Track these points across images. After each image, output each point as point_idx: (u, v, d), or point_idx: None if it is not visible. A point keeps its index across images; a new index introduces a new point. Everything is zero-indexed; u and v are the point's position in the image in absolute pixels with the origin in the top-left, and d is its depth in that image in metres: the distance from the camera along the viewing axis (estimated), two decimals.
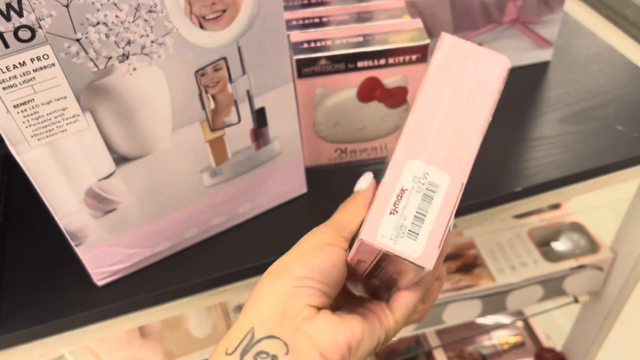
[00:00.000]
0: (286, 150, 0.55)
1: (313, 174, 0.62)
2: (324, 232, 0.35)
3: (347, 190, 0.38)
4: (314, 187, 0.61)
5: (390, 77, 0.54)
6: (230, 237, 0.58)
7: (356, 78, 0.54)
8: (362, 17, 0.59)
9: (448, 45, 0.34)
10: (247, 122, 0.51)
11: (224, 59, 0.46)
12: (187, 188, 0.52)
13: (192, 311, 0.80)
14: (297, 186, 0.59)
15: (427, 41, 0.53)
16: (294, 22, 0.57)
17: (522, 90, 0.72)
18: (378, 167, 0.60)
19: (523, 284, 0.83)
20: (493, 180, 0.61)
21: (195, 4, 0.41)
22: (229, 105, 0.49)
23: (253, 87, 0.49)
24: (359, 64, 0.53)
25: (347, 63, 0.53)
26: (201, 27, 0.43)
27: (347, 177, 0.59)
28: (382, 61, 0.53)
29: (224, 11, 0.43)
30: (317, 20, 0.58)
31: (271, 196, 0.58)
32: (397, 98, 0.55)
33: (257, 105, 0.50)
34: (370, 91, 0.54)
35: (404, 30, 0.56)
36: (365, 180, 0.38)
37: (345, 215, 0.36)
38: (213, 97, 0.47)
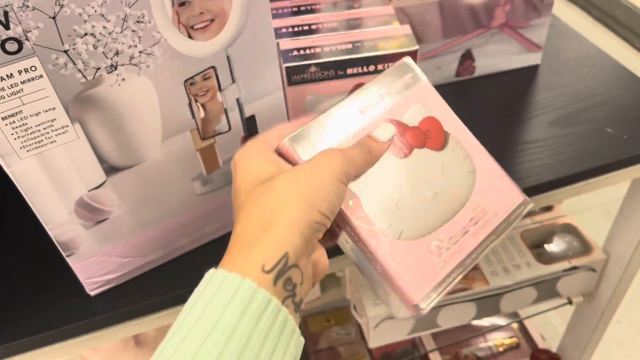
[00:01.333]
0: None
1: None
2: (341, 170, 0.37)
3: None
4: None
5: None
6: (223, 245, 0.57)
7: (346, 85, 0.54)
8: (352, 24, 0.59)
9: None
10: (238, 129, 0.51)
11: (213, 68, 0.46)
12: (179, 197, 0.52)
13: None
14: None
15: (416, 47, 0.53)
16: (284, 30, 0.58)
17: (512, 94, 0.73)
18: None
19: (516, 287, 0.84)
20: None
21: (183, 14, 0.42)
22: (219, 114, 0.49)
23: (243, 96, 0.49)
24: (349, 71, 0.53)
25: (336, 70, 0.53)
26: (189, 36, 0.43)
27: None
28: (372, 67, 0.53)
29: (212, 21, 0.43)
30: (306, 27, 0.58)
31: None
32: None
33: (248, 113, 0.50)
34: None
35: (392, 37, 0.56)
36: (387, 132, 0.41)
37: (358, 159, 0.39)
38: (203, 105, 0.47)
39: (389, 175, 0.41)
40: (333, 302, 1.10)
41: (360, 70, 0.54)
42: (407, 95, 0.44)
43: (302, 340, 0.33)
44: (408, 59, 0.45)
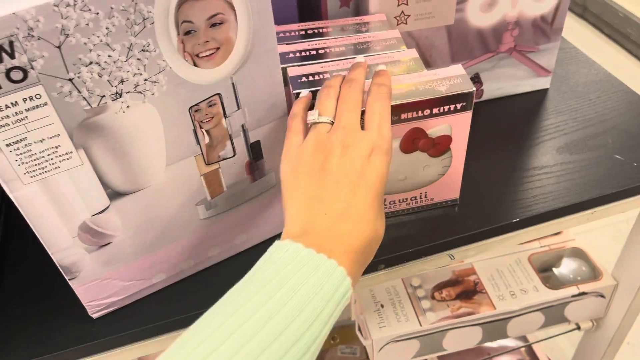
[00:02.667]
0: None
1: None
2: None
3: None
4: None
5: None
6: (226, 268, 0.57)
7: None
8: (359, 49, 0.59)
9: None
10: (243, 155, 0.51)
11: (218, 95, 0.46)
12: (182, 221, 0.52)
13: None
14: None
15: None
16: (291, 55, 0.58)
17: (520, 118, 0.72)
18: (420, 216, 0.60)
19: (524, 311, 0.82)
20: (491, 211, 0.60)
21: (189, 42, 0.42)
22: (223, 140, 0.49)
23: (248, 122, 0.49)
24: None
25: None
26: (195, 64, 0.43)
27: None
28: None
29: (218, 49, 0.43)
30: (313, 52, 0.58)
31: (266, 228, 0.58)
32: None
33: (253, 138, 0.50)
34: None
35: (400, 61, 0.56)
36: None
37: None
38: (207, 132, 0.47)
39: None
40: (339, 321, 1.09)
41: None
42: (449, 116, 0.52)
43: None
44: (472, 91, 0.51)
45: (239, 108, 0.48)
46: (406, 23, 0.65)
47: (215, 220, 0.54)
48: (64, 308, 0.54)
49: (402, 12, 0.65)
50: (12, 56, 0.36)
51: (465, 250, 0.60)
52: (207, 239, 0.55)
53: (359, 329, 0.88)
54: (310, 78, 0.54)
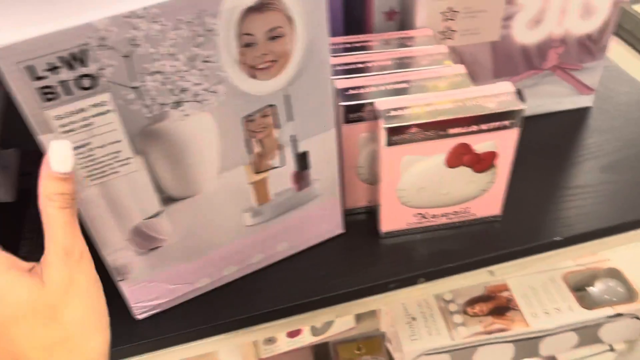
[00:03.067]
0: (325, 192, 0.56)
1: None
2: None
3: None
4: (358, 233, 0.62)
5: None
6: (267, 275, 0.58)
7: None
8: (404, 63, 0.60)
9: None
10: (290, 165, 0.52)
11: (272, 106, 0.47)
12: (229, 227, 0.53)
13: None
14: (334, 227, 0.60)
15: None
16: (337, 67, 0.59)
17: (562, 136, 0.72)
18: (460, 231, 0.60)
19: (557, 331, 0.82)
20: (532, 228, 0.60)
21: (248, 54, 0.43)
22: (273, 149, 0.50)
23: (298, 133, 0.50)
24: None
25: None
26: (252, 76, 0.44)
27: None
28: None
29: (275, 61, 0.44)
30: (360, 65, 0.59)
31: (308, 235, 0.59)
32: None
33: (301, 149, 0.51)
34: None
35: (446, 76, 0.57)
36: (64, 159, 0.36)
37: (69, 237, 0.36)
38: (259, 141, 0.48)
39: (431, 169, 0.55)
40: (366, 332, 1.10)
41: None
42: (496, 133, 0.53)
43: None
44: (522, 108, 0.52)
45: (290, 119, 0.49)
46: (451, 38, 0.66)
47: (260, 227, 0.55)
48: (109, 309, 0.55)
49: (448, 27, 0.65)
50: (84, 64, 0.38)
51: (506, 267, 0.60)
52: (251, 245, 0.56)
53: (389, 341, 0.88)
54: (357, 91, 0.55)
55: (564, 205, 0.63)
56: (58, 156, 0.36)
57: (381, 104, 0.53)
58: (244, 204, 0.52)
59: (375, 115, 0.53)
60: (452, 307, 0.84)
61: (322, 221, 0.59)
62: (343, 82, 0.56)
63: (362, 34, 0.66)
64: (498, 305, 0.84)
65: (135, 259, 0.50)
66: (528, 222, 0.61)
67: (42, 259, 0.35)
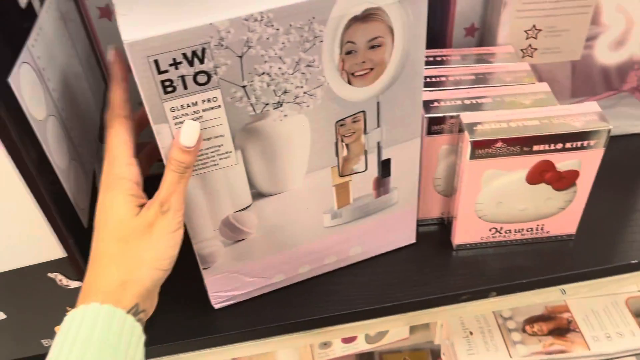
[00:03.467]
0: (402, 201, 0.57)
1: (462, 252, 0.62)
2: (174, 222, 0.44)
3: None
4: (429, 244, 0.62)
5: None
6: (339, 278, 0.60)
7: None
8: (488, 78, 0.61)
9: None
10: (373, 171, 0.53)
11: (363, 112, 0.48)
12: (309, 226, 0.55)
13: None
14: (407, 236, 0.61)
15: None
16: None
17: (638, 158, 0.71)
18: (533, 248, 0.61)
19: (619, 355, 0.80)
20: (607, 249, 0.60)
21: (348, 61, 0.45)
22: (359, 154, 0.51)
23: (384, 140, 0.51)
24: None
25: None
26: (349, 82, 0.46)
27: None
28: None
29: (372, 69, 0.46)
30: (443, 78, 0.60)
31: (381, 242, 0.60)
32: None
33: (385, 156, 0.53)
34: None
35: (530, 94, 0.57)
36: (193, 135, 0.43)
37: (179, 194, 0.44)
38: (347, 145, 0.50)
39: (511, 184, 0.55)
40: (417, 344, 1.09)
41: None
42: (580, 152, 0.53)
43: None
44: (608, 128, 0.52)
45: (378, 126, 0.50)
46: (532, 56, 0.66)
47: (337, 230, 0.56)
48: (189, 296, 0.58)
49: (530, 45, 0.66)
50: (202, 61, 0.40)
51: (578, 287, 0.60)
52: (327, 247, 0.57)
53: (444, 354, 0.88)
54: (440, 104, 0.56)
55: (636, 229, 0.62)
56: (187, 132, 0.42)
57: (467, 117, 0.54)
58: (325, 206, 0.54)
59: (459, 129, 0.54)
60: (511, 324, 0.83)
61: (396, 229, 0.60)
62: (426, 95, 0.57)
63: (440, 48, 0.67)
64: (558, 326, 0.83)
65: (221, 249, 0.52)
66: (602, 243, 0.61)
67: (150, 201, 0.43)
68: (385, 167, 0.54)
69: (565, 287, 0.60)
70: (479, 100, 0.57)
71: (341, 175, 0.52)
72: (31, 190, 0.42)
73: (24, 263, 0.46)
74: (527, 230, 0.60)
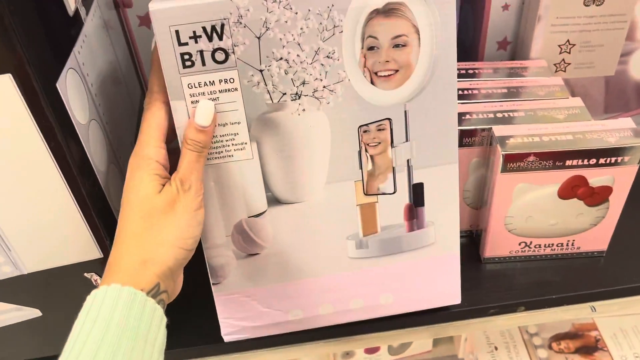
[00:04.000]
0: (441, 242, 0.51)
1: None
2: (195, 202, 0.44)
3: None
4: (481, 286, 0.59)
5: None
6: (364, 329, 0.55)
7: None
8: (521, 92, 0.60)
9: None
10: (403, 195, 0.49)
11: (389, 120, 0.46)
12: (329, 252, 0.50)
13: None
14: (449, 293, 0.54)
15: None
16: None
17: None
18: (563, 264, 0.60)
19: None
20: (638, 268, 0.58)
21: (370, 58, 0.44)
22: (386, 171, 0.48)
23: (414, 158, 0.48)
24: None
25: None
26: (372, 82, 0.45)
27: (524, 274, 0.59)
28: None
29: (397, 71, 0.45)
30: (475, 91, 0.60)
31: (417, 295, 0.53)
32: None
33: (416, 179, 0.49)
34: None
35: (563, 108, 0.57)
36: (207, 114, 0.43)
37: (197, 170, 0.44)
38: (372, 157, 0.48)
39: (542, 198, 0.54)
40: (442, 357, 1.09)
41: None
42: (614, 168, 0.52)
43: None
44: None
45: (407, 140, 0.47)
46: (565, 71, 0.66)
47: (364, 264, 0.51)
48: (199, 322, 0.56)
49: (563, 59, 0.65)
50: (220, 38, 0.41)
51: (608, 305, 0.59)
52: (351, 285, 0.52)
53: None
54: (471, 116, 0.55)
55: None
56: (202, 112, 0.43)
57: (499, 130, 0.53)
58: (349, 229, 0.50)
59: (491, 141, 0.54)
60: (537, 340, 0.82)
61: (433, 279, 0.53)
62: (460, 107, 0.56)
63: (472, 60, 0.67)
64: (585, 344, 0.81)
65: (233, 262, 0.49)
66: (634, 261, 0.59)
67: (169, 180, 0.44)
68: (417, 192, 0.49)
69: (595, 304, 0.59)
70: (511, 114, 0.56)
71: (366, 194, 0.49)
72: (72, 192, 0.43)
73: (62, 262, 0.47)
74: (557, 246, 0.59)
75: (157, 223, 0.42)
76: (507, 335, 0.84)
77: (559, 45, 0.65)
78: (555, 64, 0.66)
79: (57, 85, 0.41)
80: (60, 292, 0.49)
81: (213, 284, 0.50)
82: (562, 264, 0.60)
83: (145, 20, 0.60)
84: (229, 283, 0.50)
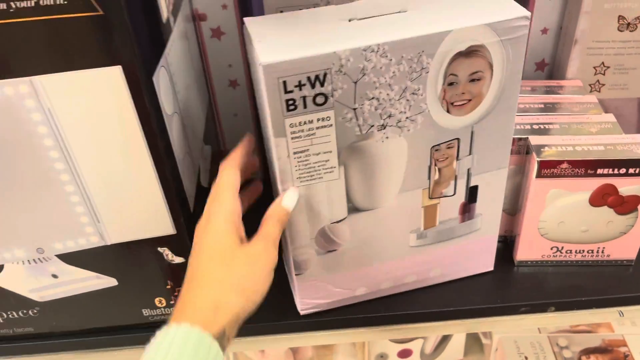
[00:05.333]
0: (485, 228, 0.60)
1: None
2: (274, 261, 0.49)
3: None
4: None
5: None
6: (419, 296, 0.63)
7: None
8: (557, 107, 0.65)
9: None
10: (460, 196, 0.57)
11: (457, 139, 0.52)
12: (395, 244, 0.58)
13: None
14: (486, 263, 0.64)
15: None
16: None
17: None
18: (592, 270, 0.64)
19: None
20: None
21: (449, 91, 0.49)
22: (449, 179, 0.55)
23: (474, 167, 0.55)
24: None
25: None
26: (447, 111, 0.50)
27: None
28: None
29: (469, 100, 0.50)
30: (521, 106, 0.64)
31: (461, 267, 0.63)
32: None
33: (473, 182, 0.56)
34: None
35: (597, 123, 0.61)
36: (293, 200, 0.51)
37: (278, 238, 0.50)
38: (439, 170, 0.54)
39: (574, 205, 0.59)
40: None
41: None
42: None
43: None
44: None
45: (470, 153, 0.54)
46: (599, 91, 0.70)
47: (421, 250, 0.60)
48: (277, 300, 0.61)
49: (598, 80, 0.70)
50: (322, 85, 0.45)
51: (637, 310, 0.63)
52: (409, 266, 0.61)
53: None
54: (520, 127, 0.60)
55: None
56: (289, 198, 0.51)
57: (535, 139, 0.58)
58: (413, 225, 0.58)
59: (527, 150, 0.58)
60: (567, 353, 0.84)
61: (476, 256, 0.63)
62: None
63: None
64: (614, 359, 0.84)
65: (314, 257, 0.56)
66: None
67: (254, 237, 0.49)
68: (472, 193, 0.57)
69: (624, 309, 0.62)
70: (547, 126, 0.61)
71: (431, 198, 0.56)
72: (158, 173, 0.48)
73: (140, 236, 0.53)
74: (588, 252, 0.63)
75: (236, 272, 0.45)
76: (538, 347, 0.86)
77: (594, 67, 0.69)
78: (590, 85, 0.70)
79: (154, 78, 0.46)
80: (135, 264, 0.55)
81: (296, 274, 0.58)
82: (591, 270, 0.64)
83: (217, 33, 0.65)
84: (309, 273, 0.58)
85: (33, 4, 0.38)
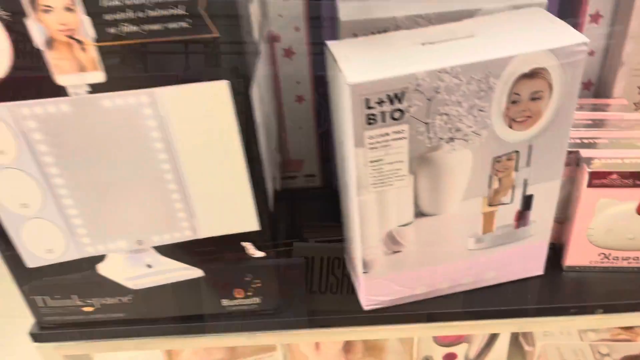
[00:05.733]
0: (537, 234, 0.65)
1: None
2: None
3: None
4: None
5: None
6: (474, 296, 0.68)
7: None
8: (604, 123, 0.69)
9: None
10: (517, 204, 0.62)
11: (517, 152, 0.57)
12: (454, 247, 0.63)
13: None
14: (537, 267, 0.69)
15: None
16: None
17: None
18: (636, 276, 0.67)
19: None
20: None
21: (512, 109, 0.54)
22: (507, 188, 0.60)
23: (530, 177, 0.60)
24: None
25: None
26: (509, 126, 0.55)
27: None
28: None
29: (529, 117, 0.55)
30: None
31: (513, 270, 0.68)
32: None
33: (528, 192, 0.61)
34: None
35: (637, 138, 0.66)
36: None
37: None
38: (499, 179, 0.59)
39: (621, 214, 0.62)
40: None
41: None
42: None
43: None
44: None
45: (528, 165, 0.59)
46: None
47: (478, 253, 0.65)
48: (341, 296, 0.68)
49: None
50: (400, 101, 0.51)
51: None
52: (467, 268, 0.66)
53: None
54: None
55: None
56: None
57: (585, 152, 0.63)
58: (472, 230, 0.63)
59: (577, 162, 0.63)
60: None
61: (528, 260, 0.68)
62: None
63: None
64: None
65: (381, 257, 0.62)
66: None
67: None
68: (527, 201, 0.62)
69: None
70: (596, 141, 0.66)
71: (490, 205, 0.61)
72: (251, 175, 0.55)
73: (228, 231, 0.59)
74: (634, 259, 0.67)
75: None
76: (580, 354, 0.89)
77: (638, 87, 0.74)
78: (635, 103, 0.75)
79: (249, 93, 0.52)
80: (220, 257, 0.61)
81: (363, 272, 0.63)
82: (638, 277, 0.68)
83: (288, 53, 0.72)
84: (375, 272, 0.63)
85: (162, 28, 0.45)
